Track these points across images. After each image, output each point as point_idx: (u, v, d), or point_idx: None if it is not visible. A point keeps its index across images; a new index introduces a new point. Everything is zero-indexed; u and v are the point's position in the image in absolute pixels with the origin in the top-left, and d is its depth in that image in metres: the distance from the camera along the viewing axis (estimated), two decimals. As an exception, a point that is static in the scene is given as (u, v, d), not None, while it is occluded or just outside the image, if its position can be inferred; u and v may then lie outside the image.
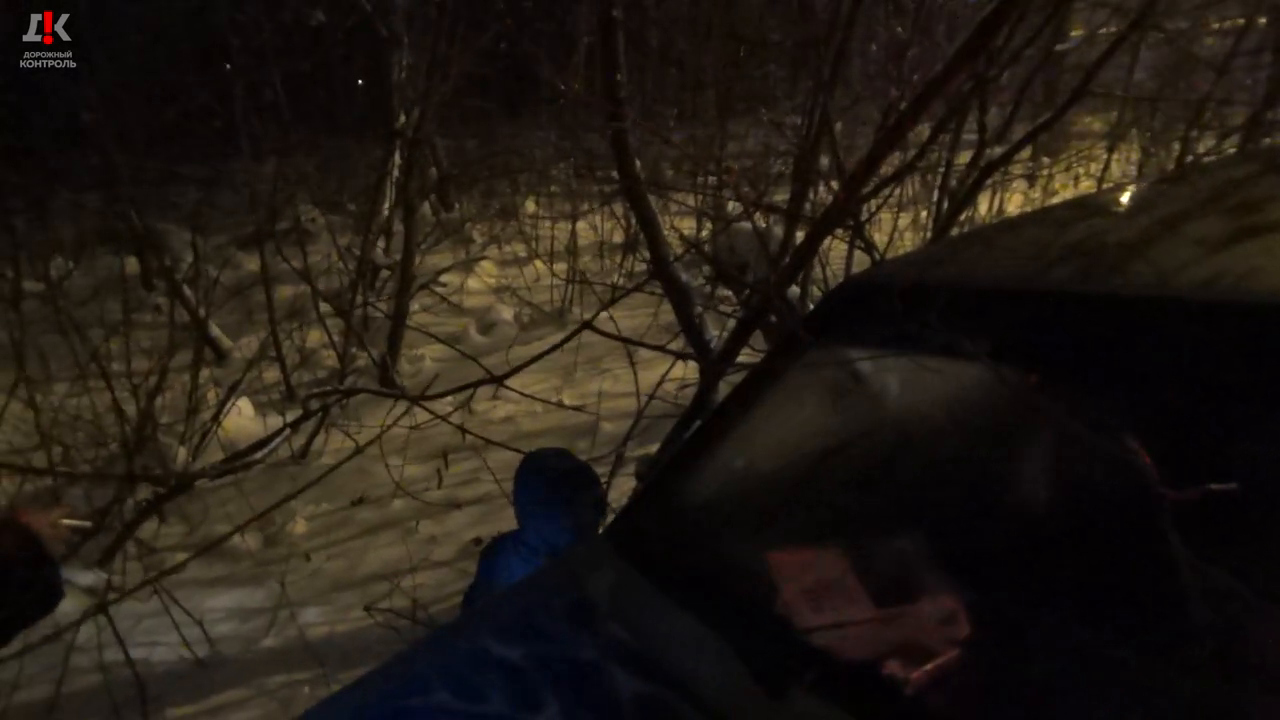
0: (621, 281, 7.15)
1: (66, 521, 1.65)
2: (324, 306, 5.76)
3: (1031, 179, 6.19)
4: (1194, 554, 0.93)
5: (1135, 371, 1.33)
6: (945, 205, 4.12)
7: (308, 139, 8.64)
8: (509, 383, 2.22)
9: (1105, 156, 6.34)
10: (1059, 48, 3.44)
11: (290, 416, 4.64)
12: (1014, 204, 7.39)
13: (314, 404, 3.60)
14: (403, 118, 6.06)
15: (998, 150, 3.62)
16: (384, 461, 3.42)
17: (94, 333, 4.73)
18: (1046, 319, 1.47)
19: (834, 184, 3.15)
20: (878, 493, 1.65)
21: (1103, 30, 3.64)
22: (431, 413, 2.42)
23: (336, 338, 5.87)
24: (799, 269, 2.47)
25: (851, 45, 3.31)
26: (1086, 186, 7.03)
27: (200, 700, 2.99)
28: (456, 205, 9.67)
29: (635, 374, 2.99)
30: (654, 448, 4.32)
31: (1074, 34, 4.77)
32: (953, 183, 4.12)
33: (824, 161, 3.72)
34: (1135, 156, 6.75)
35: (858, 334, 1.81)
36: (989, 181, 3.53)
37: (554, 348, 2.13)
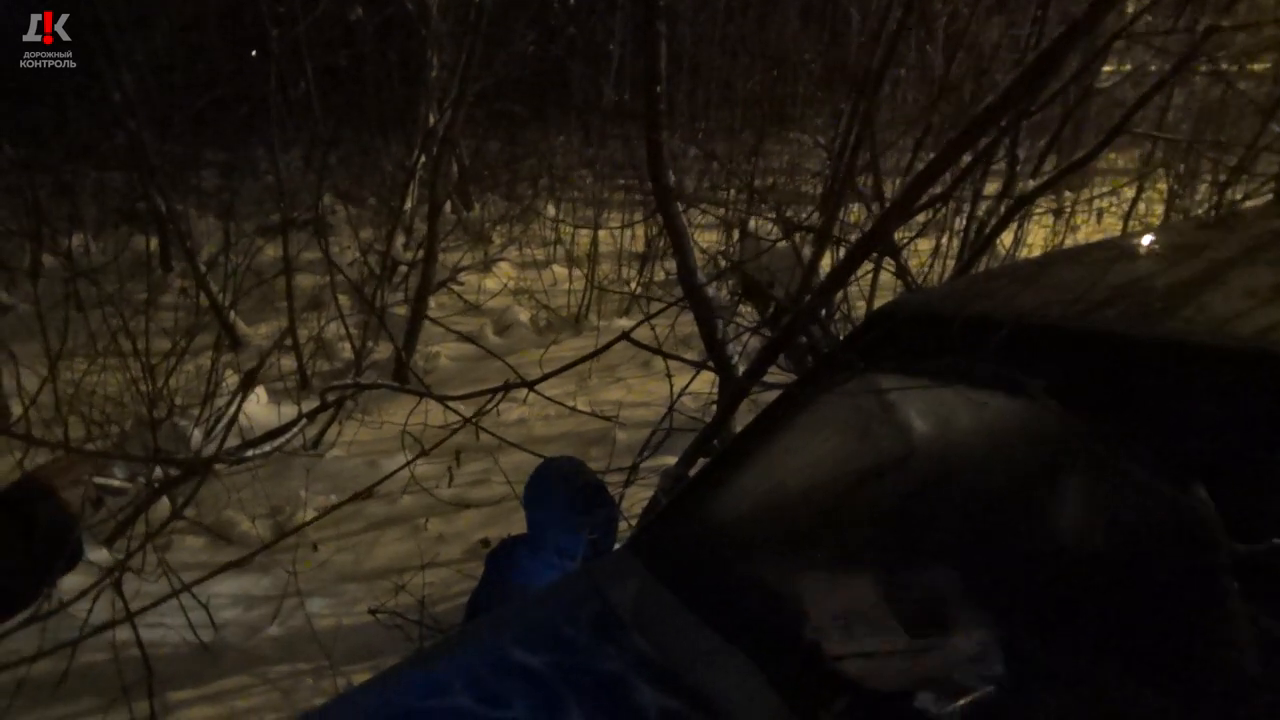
0: (639, 290, 7.17)
1: (97, 480, 1.60)
2: (342, 298, 5.77)
3: (1059, 213, 6.18)
4: (1254, 606, 0.92)
5: (1188, 418, 1.32)
6: (973, 234, 4.11)
7: (334, 132, 8.67)
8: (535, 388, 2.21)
9: (1130, 194, 6.33)
10: (1098, 85, 3.43)
11: (304, 405, 4.67)
12: (1036, 237, 7.39)
13: (331, 396, 3.60)
14: (432, 118, 6.07)
15: (1031, 182, 3.63)
16: (402, 453, 3.42)
17: (111, 311, 4.75)
18: (1102, 361, 1.47)
19: (871, 207, 3.14)
20: (913, 522, 1.64)
21: (1147, 67, 3.63)
22: (457, 412, 2.41)
23: (353, 330, 5.89)
24: (834, 291, 2.47)
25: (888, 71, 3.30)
26: (1109, 222, 7.02)
27: (203, 685, 2.98)
28: (477, 205, 9.70)
29: (670, 384, 2.98)
30: (670, 459, 4.32)
31: (1107, 69, 4.77)
32: (979, 212, 4.11)
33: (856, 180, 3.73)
34: (1160, 196, 6.73)
35: (897, 361, 1.81)
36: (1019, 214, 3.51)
37: (591, 355, 2.12)
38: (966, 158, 2.50)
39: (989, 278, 2.00)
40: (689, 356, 5.70)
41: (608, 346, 1.99)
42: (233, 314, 6.00)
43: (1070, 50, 1.93)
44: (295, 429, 3.43)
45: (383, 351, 5.80)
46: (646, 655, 1.45)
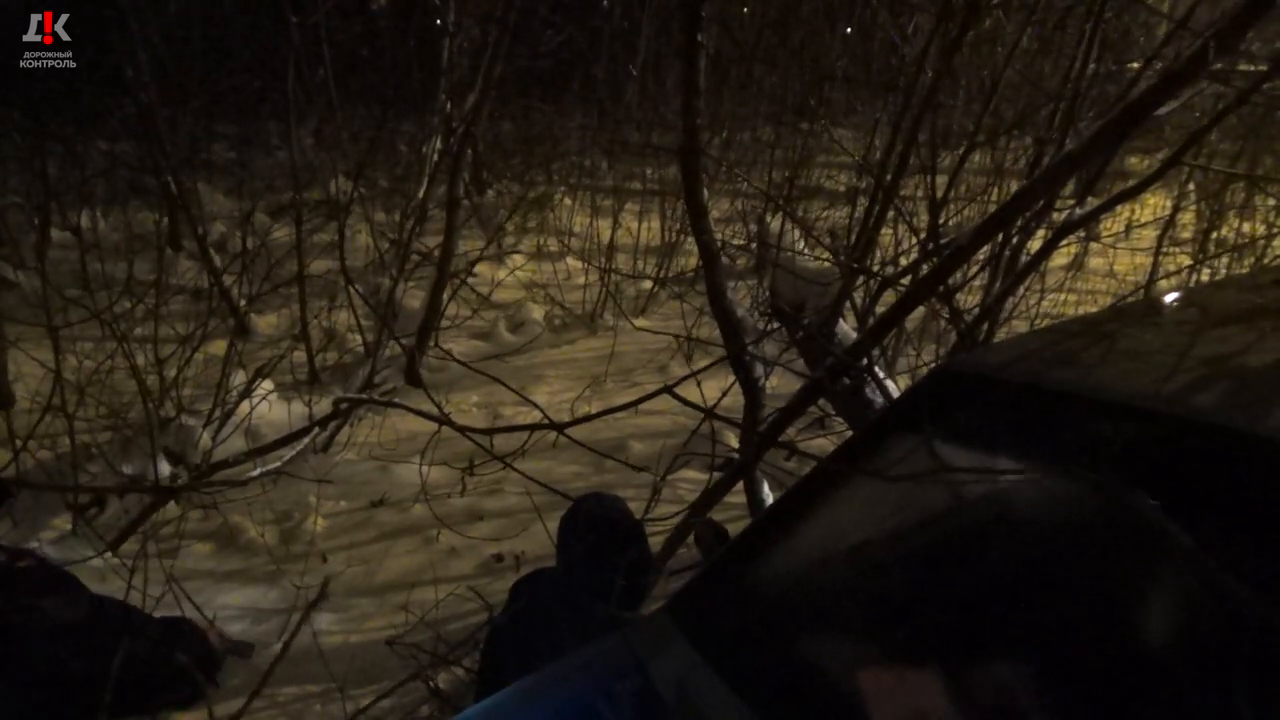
0: (655, 288, 7.05)
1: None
2: (354, 288, 5.66)
3: (1094, 239, 6.04)
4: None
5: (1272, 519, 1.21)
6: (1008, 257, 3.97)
7: (349, 114, 8.55)
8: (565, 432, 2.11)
9: (1163, 213, 6.21)
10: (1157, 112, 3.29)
11: (314, 400, 4.57)
12: (1063, 252, 7.24)
13: (343, 406, 3.51)
14: (449, 105, 5.94)
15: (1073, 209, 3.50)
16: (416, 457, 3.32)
17: (118, 292, 4.65)
18: (1185, 448, 1.36)
19: (917, 232, 3.02)
20: (971, 607, 1.53)
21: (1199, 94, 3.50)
22: (471, 439, 2.31)
23: (365, 322, 5.78)
24: (883, 335, 2.36)
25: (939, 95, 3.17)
26: (1146, 232, 6.85)
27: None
28: (491, 191, 9.56)
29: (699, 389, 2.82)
30: (688, 473, 4.22)
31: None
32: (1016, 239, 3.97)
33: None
34: (1193, 220, 6.60)
35: (959, 427, 1.71)
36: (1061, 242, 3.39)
37: (624, 406, 2.01)
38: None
39: (1057, 335, 1.88)
40: (707, 361, 5.62)
41: (644, 400, 1.88)
42: (241, 301, 5.88)
43: (1163, 103, 1.81)
44: (304, 440, 3.34)
45: (395, 347, 5.69)
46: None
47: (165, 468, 3.79)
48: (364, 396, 2.75)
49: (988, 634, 1.49)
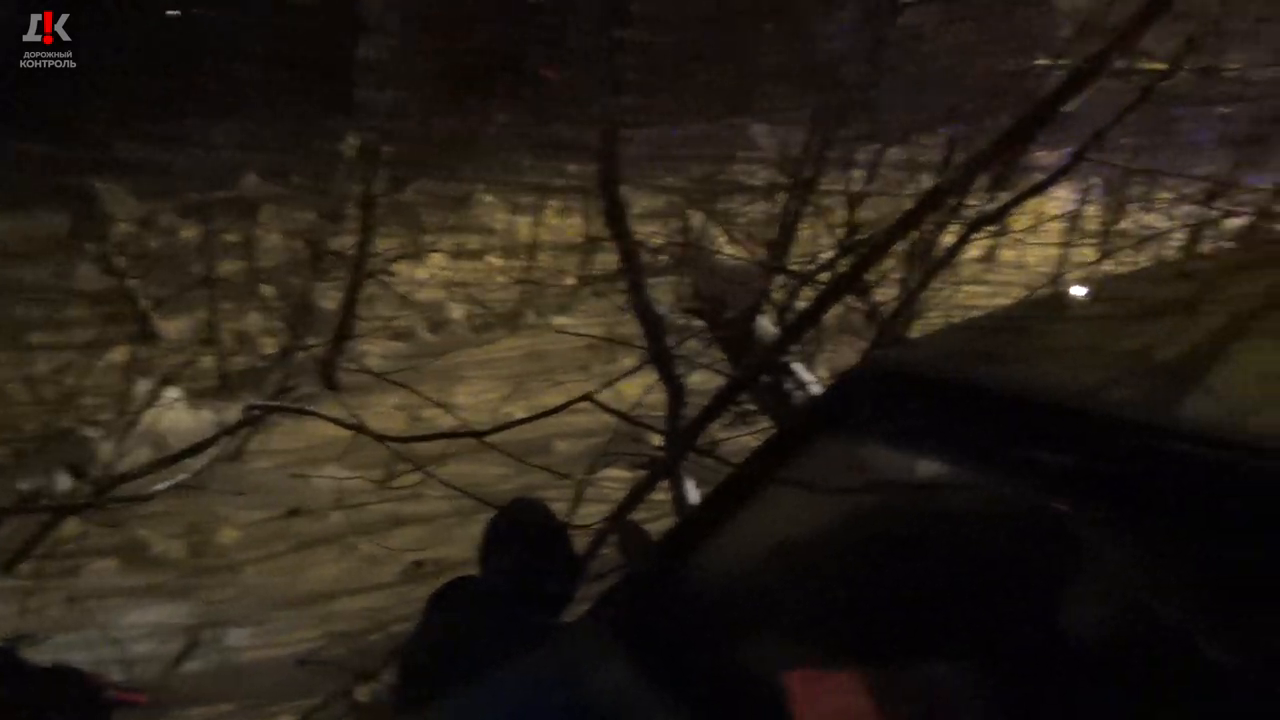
0: (579, 286, 7.00)
1: None
2: (266, 288, 5.49)
3: (1003, 232, 6.21)
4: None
5: (1187, 517, 1.22)
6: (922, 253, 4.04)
7: (265, 110, 8.29)
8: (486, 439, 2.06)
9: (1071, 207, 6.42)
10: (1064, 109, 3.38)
11: (224, 407, 4.41)
12: (976, 247, 7.41)
13: (255, 413, 3.39)
14: (368, 99, 5.81)
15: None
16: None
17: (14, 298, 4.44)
18: (1100, 445, 1.38)
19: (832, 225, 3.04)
20: (899, 606, 1.53)
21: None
22: (389, 447, 2.24)
23: (278, 324, 5.61)
24: (801, 333, 2.36)
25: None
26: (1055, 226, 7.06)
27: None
28: (410, 189, 9.37)
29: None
30: (612, 472, 4.19)
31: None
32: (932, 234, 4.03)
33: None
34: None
35: (883, 424, 1.70)
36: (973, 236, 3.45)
37: (548, 412, 1.97)
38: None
39: (975, 330, 1.90)
40: (631, 359, 5.59)
41: (561, 409, 1.85)
42: (146, 304, 5.65)
43: (1079, 93, 1.85)
44: (214, 450, 3.21)
45: (311, 347, 5.53)
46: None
47: (65, 482, 3.61)
48: (276, 403, 2.65)
49: (919, 634, 1.49)
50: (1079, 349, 1.66)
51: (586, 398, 1.83)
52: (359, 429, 2.30)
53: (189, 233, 6.51)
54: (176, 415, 4.22)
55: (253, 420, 3.77)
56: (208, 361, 5.19)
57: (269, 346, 5.60)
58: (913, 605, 1.53)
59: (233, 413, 4.22)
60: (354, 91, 6.49)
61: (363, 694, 2.82)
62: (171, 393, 4.19)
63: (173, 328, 5.94)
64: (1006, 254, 7.58)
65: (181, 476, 3.18)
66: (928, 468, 1.63)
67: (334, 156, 6.77)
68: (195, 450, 3.64)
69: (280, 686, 2.91)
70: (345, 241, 6.32)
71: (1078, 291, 2.10)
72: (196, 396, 4.78)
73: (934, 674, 1.39)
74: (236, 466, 4.22)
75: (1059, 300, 2.20)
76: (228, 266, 6.25)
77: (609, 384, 2.03)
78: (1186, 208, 4.01)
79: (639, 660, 1.54)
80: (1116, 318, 1.80)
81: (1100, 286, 2.27)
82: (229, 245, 6.33)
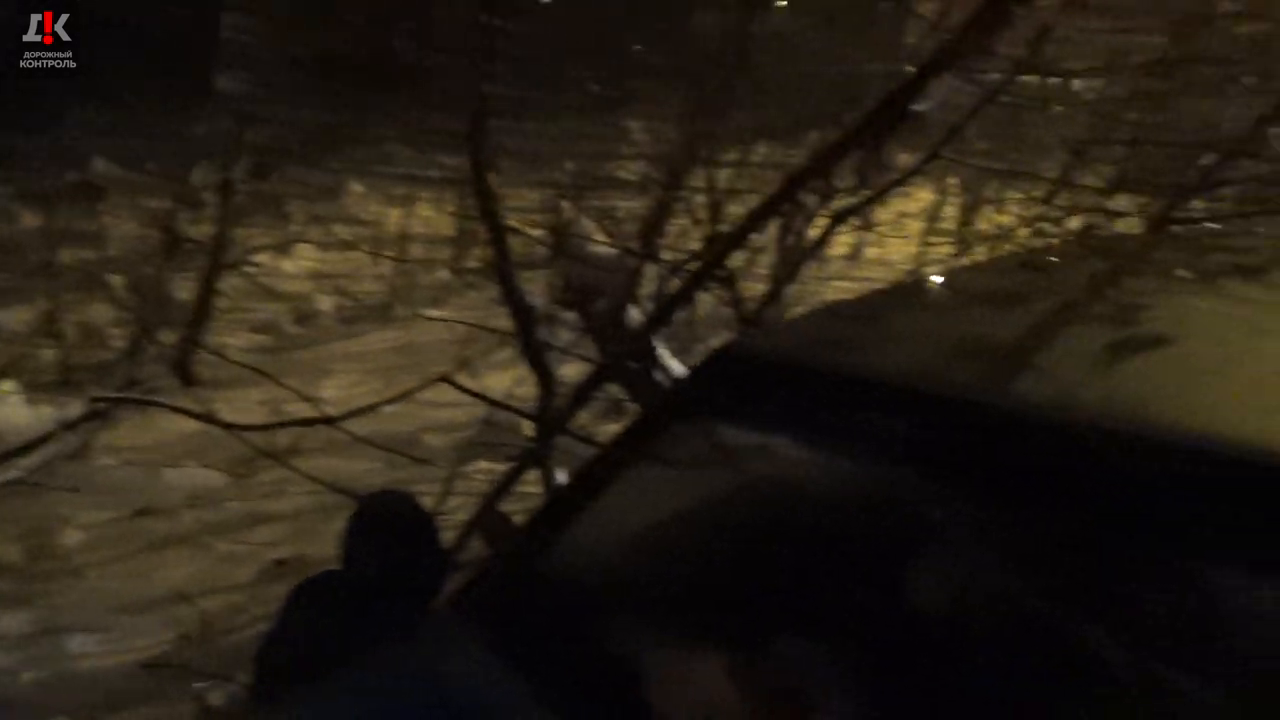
0: (451, 278, 6.90)
1: None
2: (116, 279, 5.20)
3: (868, 227, 6.45)
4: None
5: (1036, 494, 1.29)
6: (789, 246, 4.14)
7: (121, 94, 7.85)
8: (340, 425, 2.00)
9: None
10: (917, 108, 3.51)
11: (66, 402, 4.15)
12: (838, 239, 7.65)
13: (100, 406, 3.20)
14: (225, 82, 5.56)
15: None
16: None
17: None
18: (939, 424, 1.43)
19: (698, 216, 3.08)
20: (756, 587, 1.56)
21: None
22: (249, 443, 2.15)
23: (128, 316, 5.30)
24: (666, 319, 2.38)
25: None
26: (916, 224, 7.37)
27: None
28: (274, 176, 9.02)
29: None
30: (483, 465, 4.13)
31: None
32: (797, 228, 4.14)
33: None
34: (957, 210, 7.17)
35: (738, 408, 1.73)
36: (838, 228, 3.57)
37: (405, 394, 1.92)
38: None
39: (828, 317, 1.96)
40: (504, 353, 5.53)
41: (420, 388, 1.81)
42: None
43: (923, 90, 1.92)
44: (53, 446, 3.03)
45: (165, 339, 5.26)
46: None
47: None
48: (122, 394, 2.50)
49: (777, 612, 1.52)
50: (927, 335, 1.72)
51: (444, 379, 1.80)
52: (208, 419, 2.20)
53: (31, 219, 6.09)
54: (11, 410, 3.95)
55: (97, 414, 3.55)
56: (49, 354, 4.87)
57: (118, 339, 5.30)
58: (770, 585, 1.57)
59: (75, 407, 3.98)
60: (214, 75, 6.23)
61: (216, 697, 2.70)
62: (5, 386, 3.93)
63: (12, 318, 5.56)
64: (871, 251, 7.86)
65: (14, 474, 2.97)
66: (783, 449, 1.67)
67: (192, 142, 6.47)
68: (31, 447, 3.42)
69: (125, 694, 2.76)
70: (204, 230, 6.04)
71: (928, 282, 2.20)
72: (35, 391, 4.48)
73: (792, 651, 1.42)
74: (80, 464, 3.96)
75: (910, 290, 2.29)
76: (74, 255, 5.89)
77: (464, 365, 1.99)
78: (1034, 209, 4.24)
79: (500, 648, 1.52)
80: (962, 306, 1.89)
81: (949, 277, 2.38)
82: (75, 233, 5.96)
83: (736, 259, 2.93)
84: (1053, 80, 3.73)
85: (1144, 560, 1.19)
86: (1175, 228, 3.11)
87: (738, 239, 2.01)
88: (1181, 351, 1.39)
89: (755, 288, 4.55)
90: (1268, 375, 1.30)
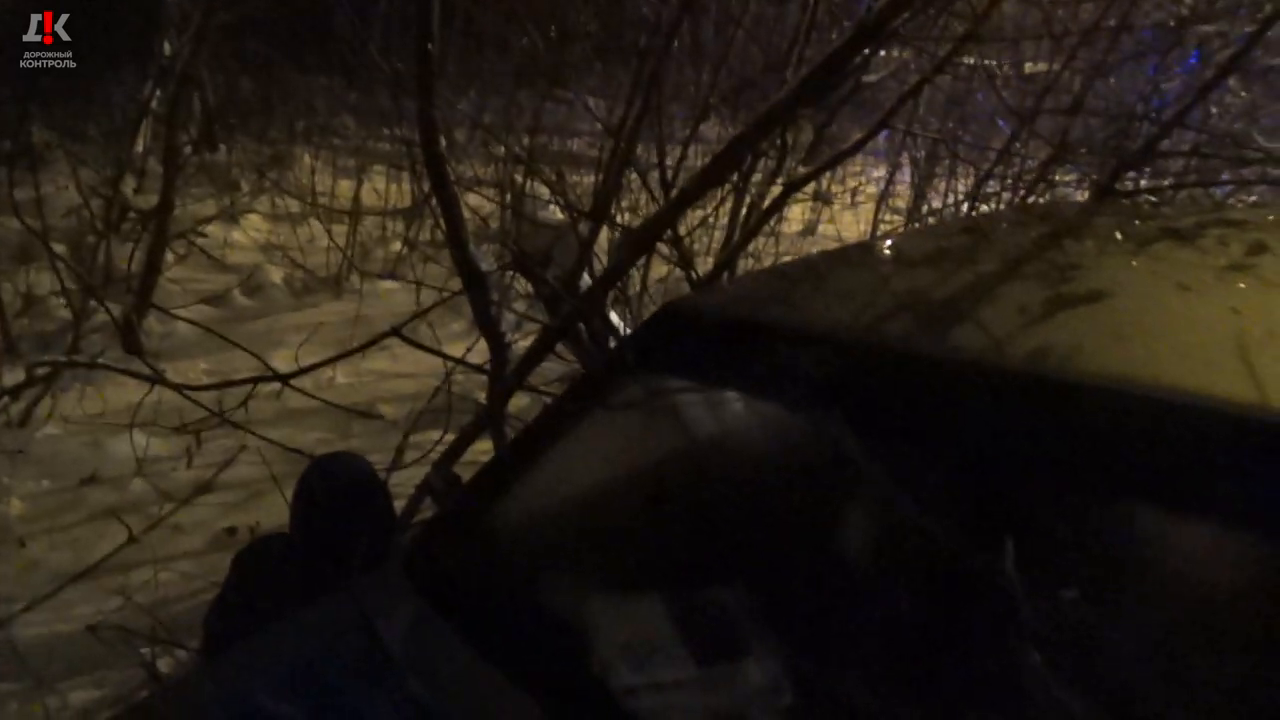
0: (405, 250, 6.82)
1: None
2: (58, 248, 5.07)
3: (827, 200, 6.52)
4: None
5: (967, 441, 1.33)
6: (744, 216, 4.17)
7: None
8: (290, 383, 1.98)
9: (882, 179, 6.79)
10: (867, 79, 3.56)
11: (8, 374, 4.05)
12: (794, 215, 7.72)
13: (40, 371, 3.13)
14: (168, 48, 5.43)
15: (800, 168, 3.73)
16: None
17: None
18: (877, 376, 1.47)
19: (651, 188, 3.09)
20: (697, 538, 1.59)
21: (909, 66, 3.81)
22: (198, 403, 2.13)
23: (71, 286, 5.18)
24: (614, 281, 2.39)
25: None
26: (865, 204, 7.45)
27: None
28: (223, 147, 8.85)
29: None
30: (437, 434, 4.12)
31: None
32: (750, 196, 4.17)
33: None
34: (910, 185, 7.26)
35: (682, 364, 1.75)
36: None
37: (351, 352, 1.92)
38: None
39: (772, 276, 1.99)
40: (458, 325, 5.50)
41: (371, 344, 1.81)
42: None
43: (859, 52, 1.94)
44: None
45: (110, 309, 5.15)
46: (422, 702, 1.31)
47: None
48: (64, 359, 2.46)
49: (718, 562, 1.55)
50: (868, 292, 1.76)
51: (394, 332, 1.79)
52: (155, 379, 2.17)
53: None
54: (-51, 380, 3.85)
55: (39, 380, 3.48)
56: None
57: (61, 310, 5.19)
58: (710, 535, 1.60)
59: (17, 375, 3.89)
60: (157, 42, 6.08)
61: (164, 664, 2.68)
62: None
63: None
64: (826, 228, 7.94)
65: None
66: (725, 404, 1.70)
67: (136, 110, 6.32)
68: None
69: (72, 663, 2.72)
70: (151, 200, 5.92)
71: (873, 246, 2.24)
72: (-24, 361, 4.38)
73: (731, 598, 1.45)
74: (21, 433, 3.89)
75: (854, 252, 2.33)
76: (11, 223, 5.73)
77: (413, 318, 1.99)
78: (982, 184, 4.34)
79: (438, 603, 1.53)
80: (904, 267, 1.93)
81: (893, 242, 2.43)
82: (12, 201, 5.80)
83: (689, 231, 2.95)
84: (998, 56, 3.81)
85: (1069, 497, 1.23)
86: (1116, 198, 3.20)
87: (687, 200, 2.02)
88: (1110, 307, 1.44)
89: (709, 262, 4.59)
90: (1189, 328, 1.35)
